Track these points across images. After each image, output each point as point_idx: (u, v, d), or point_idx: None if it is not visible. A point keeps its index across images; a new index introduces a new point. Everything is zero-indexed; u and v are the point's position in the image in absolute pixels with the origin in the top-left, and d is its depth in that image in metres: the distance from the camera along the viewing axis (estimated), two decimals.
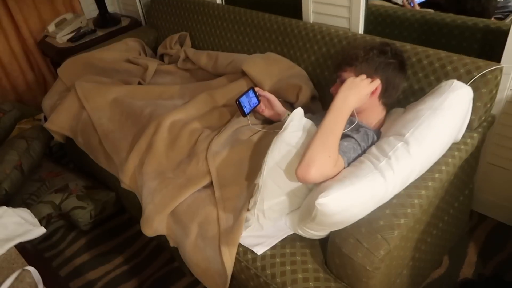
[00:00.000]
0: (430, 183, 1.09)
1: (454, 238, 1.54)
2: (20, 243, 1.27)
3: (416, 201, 1.05)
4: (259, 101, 1.44)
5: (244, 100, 1.40)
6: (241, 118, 1.53)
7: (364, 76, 1.16)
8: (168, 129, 1.55)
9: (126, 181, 1.55)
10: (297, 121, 1.19)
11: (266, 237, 1.21)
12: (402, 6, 1.78)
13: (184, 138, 1.52)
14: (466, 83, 1.23)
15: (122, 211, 2.00)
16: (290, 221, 1.19)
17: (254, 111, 1.47)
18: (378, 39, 1.48)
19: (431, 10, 1.68)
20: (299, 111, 1.23)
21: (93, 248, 1.84)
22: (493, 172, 1.60)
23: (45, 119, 2.13)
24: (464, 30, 1.52)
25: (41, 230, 1.41)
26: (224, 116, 1.64)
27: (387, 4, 1.80)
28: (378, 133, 1.22)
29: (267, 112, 1.51)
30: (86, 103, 1.81)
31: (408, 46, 1.40)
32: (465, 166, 1.31)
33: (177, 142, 1.51)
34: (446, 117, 1.07)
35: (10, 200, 1.82)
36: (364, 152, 1.14)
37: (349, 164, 1.09)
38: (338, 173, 1.05)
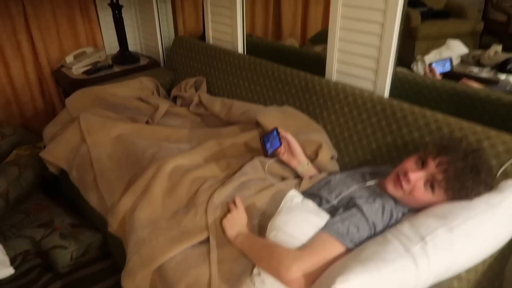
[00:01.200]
0: (463, 274, 0.93)
1: None
2: None
3: None
4: (281, 143, 1.35)
5: (267, 140, 1.33)
6: (250, 170, 1.40)
7: None
8: (169, 174, 1.43)
9: (114, 225, 1.40)
10: (289, 203, 1.10)
11: None
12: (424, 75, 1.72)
13: (185, 186, 1.39)
14: (505, 163, 1.11)
15: (107, 256, 1.82)
16: None
17: (274, 154, 1.38)
18: (406, 105, 1.38)
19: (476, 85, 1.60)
20: (292, 193, 1.13)
21: None
22: None
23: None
24: (499, 106, 1.43)
25: (8, 271, 1.26)
26: (231, 167, 1.51)
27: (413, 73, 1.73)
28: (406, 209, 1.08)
29: (286, 157, 1.40)
30: (88, 136, 1.71)
31: (439, 116, 1.29)
32: (499, 256, 1.14)
33: (176, 189, 1.38)
34: (504, 218, 0.94)
35: None
36: (376, 231, 0.99)
37: (360, 243, 0.95)
38: (339, 258, 0.91)
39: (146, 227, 1.28)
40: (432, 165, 1.01)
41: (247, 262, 1.10)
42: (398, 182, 1.04)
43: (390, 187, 1.06)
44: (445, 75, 1.77)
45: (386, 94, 1.59)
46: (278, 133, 1.35)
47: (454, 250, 0.85)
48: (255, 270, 1.03)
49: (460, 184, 0.96)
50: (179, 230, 1.25)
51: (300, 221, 1.02)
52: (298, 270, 0.90)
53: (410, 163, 1.05)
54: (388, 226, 1.00)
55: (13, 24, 2.38)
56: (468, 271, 0.94)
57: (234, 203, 1.23)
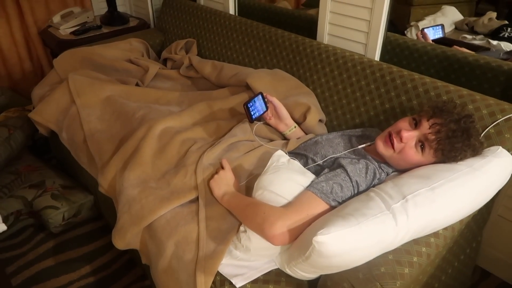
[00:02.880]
0: (441, 231, 0.96)
1: None
2: None
3: (423, 249, 0.92)
4: (267, 107, 1.35)
5: (252, 105, 1.33)
6: (239, 132, 1.41)
7: None
8: (159, 135, 1.43)
9: (104, 185, 1.42)
10: (276, 163, 1.11)
11: (248, 268, 1.06)
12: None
13: (174, 147, 1.40)
14: (488, 125, 1.13)
15: (99, 217, 1.86)
16: (279, 258, 1.05)
17: (260, 118, 1.39)
18: (395, 68, 1.38)
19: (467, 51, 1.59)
20: (278, 153, 1.14)
21: (59, 253, 1.68)
22: (503, 225, 1.47)
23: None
24: (487, 71, 1.43)
25: (1, 227, 1.27)
26: (220, 129, 1.52)
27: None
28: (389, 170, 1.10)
29: (273, 121, 1.42)
30: (77, 97, 1.70)
31: (427, 79, 1.30)
32: (477, 216, 1.18)
33: (166, 150, 1.39)
34: (484, 181, 0.96)
35: None
36: (359, 190, 1.02)
37: (343, 202, 0.97)
38: (324, 215, 0.93)
39: (136, 187, 1.30)
40: (425, 125, 1.02)
41: (234, 220, 1.13)
42: (389, 141, 1.06)
43: (381, 146, 1.08)
44: (437, 41, 1.75)
45: (377, 57, 1.58)
46: (263, 98, 1.35)
47: (433, 208, 0.87)
48: (242, 228, 1.06)
49: (450, 145, 0.98)
50: (168, 190, 1.27)
51: (285, 180, 1.04)
52: (282, 226, 0.93)
53: (403, 123, 1.07)
54: (372, 186, 1.03)
55: None
56: (445, 228, 0.97)
57: (222, 165, 1.25)
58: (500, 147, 1.04)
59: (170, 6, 2.27)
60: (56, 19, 2.40)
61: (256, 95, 1.35)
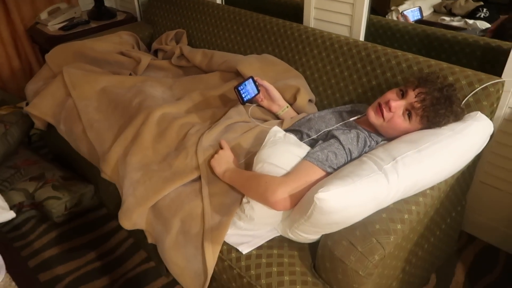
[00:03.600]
0: (428, 191, 1.05)
1: (443, 256, 1.50)
2: None
3: (413, 207, 1.00)
4: (258, 90, 1.43)
5: (243, 88, 1.39)
6: (235, 114, 1.48)
7: None
8: (157, 121, 1.49)
9: (107, 171, 1.47)
10: (273, 137, 1.18)
11: (252, 236, 1.14)
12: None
13: (173, 131, 1.45)
14: (467, 95, 1.22)
15: (100, 206, 1.91)
16: (281, 225, 1.12)
17: (253, 101, 1.45)
18: (380, 47, 1.46)
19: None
20: (275, 129, 1.21)
21: (64, 242, 1.73)
22: (485, 191, 1.57)
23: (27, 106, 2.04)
24: (465, 46, 1.52)
25: (10, 214, 1.32)
26: (216, 115, 1.58)
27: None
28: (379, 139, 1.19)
29: (266, 103, 1.49)
30: (73, 90, 1.74)
31: (409, 55, 1.38)
32: (460, 180, 1.28)
33: (166, 134, 1.45)
34: (465, 143, 1.05)
35: None
36: (351, 157, 1.10)
37: (337, 169, 1.05)
38: (320, 180, 1.01)
39: (139, 170, 1.36)
40: (411, 95, 1.11)
41: (236, 195, 1.20)
42: (379, 110, 1.14)
43: (372, 115, 1.16)
44: (416, 23, 1.84)
45: (362, 38, 1.66)
46: (254, 81, 1.41)
47: (420, 168, 0.96)
48: (244, 199, 1.13)
49: (434, 112, 1.06)
50: (171, 171, 1.33)
51: (283, 152, 1.11)
52: (283, 192, 1.00)
53: (391, 94, 1.15)
54: (363, 153, 1.11)
55: None
56: (432, 188, 1.06)
57: (221, 146, 1.31)
58: (479, 112, 1.13)
59: None
60: (44, 15, 2.42)
61: (247, 79, 1.41)
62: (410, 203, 1.01)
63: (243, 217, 1.12)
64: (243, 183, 1.14)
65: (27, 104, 2.04)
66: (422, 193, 1.04)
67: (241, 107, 1.52)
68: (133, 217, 1.29)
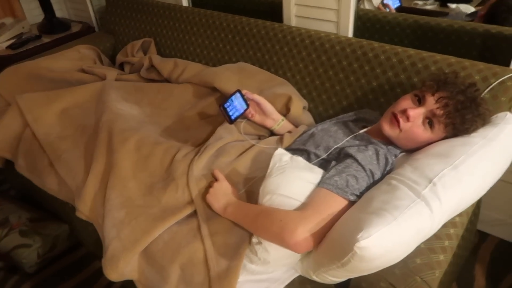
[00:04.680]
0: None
1: (462, 263, 1.41)
2: None
3: (451, 230, 0.88)
4: (247, 105, 1.25)
5: (229, 105, 1.21)
6: (225, 133, 1.31)
7: None
8: (136, 147, 1.29)
9: (84, 210, 1.26)
10: (278, 163, 1.02)
11: (268, 281, 0.98)
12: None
13: (156, 158, 1.26)
14: (483, 91, 1.11)
15: (77, 245, 1.69)
16: (300, 265, 0.97)
17: (242, 117, 1.28)
18: (376, 44, 1.32)
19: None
20: (279, 152, 1.06)
21: None
22: (499, 187, 1.49)
23: None
24: (462, 35, 1.42)
25: None
26: (201, 135, 1.40)
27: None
28: (393, 150, 1.06)
29: (258, 118, 1.32)
30: (31, 119, 1.51)
31: (411, 51, 1.25)
32: None
33: (148, 162, 1.26)
34: (502, 150, 0.93)
35: None
36: (374, 179, 0.96)
37: (361, 194, 0.91)
38: (342, 213, 0.88)
39: (121, 207, 1.17)
40: (431, 101, 0.98)
41: (242, 232, 1.04)
42: (395, 121, 1.00)
43: (386, 127, 1.03)
44: (397, 10, 1.73)
45: (350, 34, 1.53)
46: (242, 95, 1.25)
47: (461, 187, 0.83)
48: (254, 239, 0.98)
49: (461, 118, 0.94)
50: (160, 208, 1.15)
51: (294, 180, 0.96)
52: (303, 231, 0.86)
53: (406, 101, 1.02)
54: (386, 173, 0.97)
55: None
56: None
57: (213, 176, 1.14)
58: (508, 112, 1.02)
59: (115, 5, 2.08)
60: None
61: (233, 93, 1.24)
62: (447, 226, 0.89)
63: (255, 260, 0.96)
64: (252, 222, 0.98)
65: None
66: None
67: (224, 133, 1.34)
68: (120, 265, 1.09)
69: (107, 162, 1.29)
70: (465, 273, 1.45)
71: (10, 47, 2.08)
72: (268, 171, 1.02)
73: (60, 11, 2.52)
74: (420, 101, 1.01)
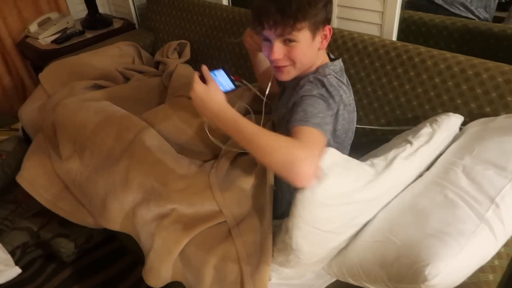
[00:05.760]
0: None
1: None
2: None
3: (502, 249, 0.84)
4: (235, 85, 1.05)
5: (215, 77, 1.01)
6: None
7: None
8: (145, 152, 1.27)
9: (115, 226, 1.26)
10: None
11: (302, 286, 0.97)
12: None
13: (169, 165, 1.24)
14: (506, 94, 1.07)
15: (112, 238, 1.73)
16: (333, 267, 0.95)
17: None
18: (423, 48, 1.28)
19: None
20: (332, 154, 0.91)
21: (78, 282, 1.56)
22: None
23: (23, 131, 1.86)
24: None
25: (15, 271, 1.15)
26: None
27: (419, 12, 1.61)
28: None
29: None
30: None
31: (461, 57, 1.20)
32: None
33: (160, 168, 1.24)
34: None
35: None
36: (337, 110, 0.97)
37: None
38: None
39: (151, 221, 1.17)
40: (268, 31, 0.97)
41: (265, 228, 1.03)
42: (276, 69, 1.04)
43: (278, 77, 1.06)
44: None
45: (394, 38, 1.48)
46: (228, 74, 1.05)
47: None
48: (284, 230, 0.92)
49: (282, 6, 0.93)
50: (188, 217, 1.15)
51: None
52: (312, 164, 0.78)
53: (265, 49, 1.03)
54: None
55: None
56: None
57: (200, 77, 0.96)
58: None
59: (156, 2, 2.11)
60: (33, 28, 2.22)
61: (217, 69, 1.04)
62: None
63: (284, 257, 0.93)
64: (248, 140, 0.85)
65: (22, 129, 1.87)
66: None
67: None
68: (161, 273, 1.12)
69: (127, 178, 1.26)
70: None
71: (55, 41, 2.14)
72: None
73: (102, 7, 2.58)
74: (267, 40, 1.01)
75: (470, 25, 1.44)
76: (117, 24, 2.35)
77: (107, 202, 1.25)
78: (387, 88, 1.33)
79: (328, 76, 1.01)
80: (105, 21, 2.32)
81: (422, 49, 1.27)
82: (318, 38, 1.01)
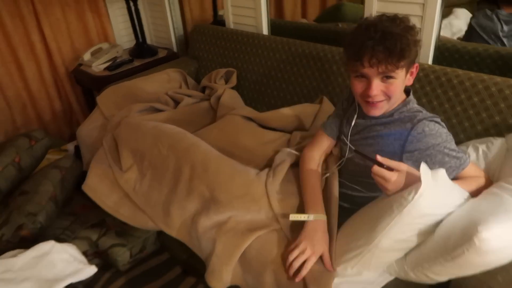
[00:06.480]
0: None
1: None
2: (71, 284, 1.12)
3: None
4: None
5: None
6: (284, 156, 1.42)
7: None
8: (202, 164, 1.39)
9: (173, 232, 1.37)
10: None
11: (363, 283, 1.05)
12: None
13: (226, 173, 1.36)
14: None
15: (161, 250, 1.83)
16: (395, 266, 1.03)
17: None
18: (449, 69, 1.40)
19: None
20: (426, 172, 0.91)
21: None
22: None
23: (77, 148, 2.01)
24: None
25: (92, 270, 1.25)
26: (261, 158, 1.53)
27: (452, 39, 1.75)
28: None
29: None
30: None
31: (498, 79, 1.31)
32: None
33: (218, 177, 1.35)
34: None
35: (42, 235, 1.65)
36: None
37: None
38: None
39: (211, 228, 1.27)
40: (369, 68, 1.02)
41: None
42: (370, 104, 1.10)
43: (370, 112, 1.12)
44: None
45: (430, 62, 1.60)
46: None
47: None
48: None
49: (387, 45, 0.98)
50: (245, 224, 1.25)
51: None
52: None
53: (358, 86, 1.09)
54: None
55: (25, 24, 2.32)
56: None
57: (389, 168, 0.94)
58: None
59: (199, 33, 2.29)
60: (87, 56, 2.42)
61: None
62: None
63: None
64: None
65: (76, 147, 2.01)
66: None
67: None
68: (223, 276, 1.19)
69: (190, 186, 1.38)
70: None
71: (107, 68, 2.33)
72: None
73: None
74: (363, 76, 1.06)
75: (502, 52, 1.56)
76: (161, 54, 2.54)
77: (170, 208, 1.37)
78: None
79: (424, 112, 1.13)
80: (152, 50, 2.51)
81: (460, 71, 1.39)
82: (408, 74, 1.10)
